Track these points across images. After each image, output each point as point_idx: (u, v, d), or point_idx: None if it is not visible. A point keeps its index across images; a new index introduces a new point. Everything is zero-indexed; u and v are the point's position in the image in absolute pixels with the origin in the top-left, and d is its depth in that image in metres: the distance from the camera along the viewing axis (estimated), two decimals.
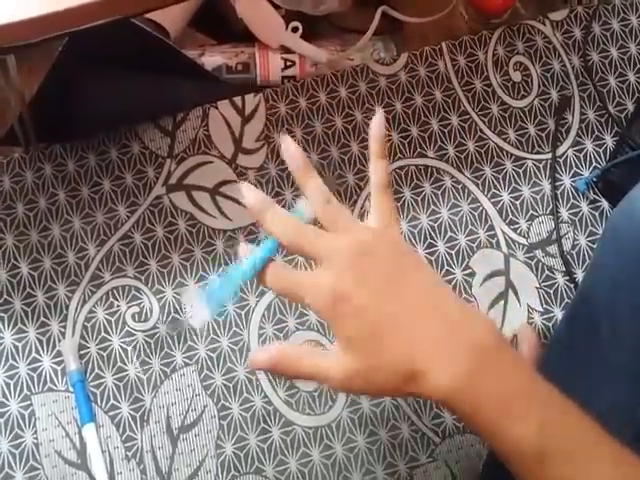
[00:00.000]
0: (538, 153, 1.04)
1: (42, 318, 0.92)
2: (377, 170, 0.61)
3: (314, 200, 0.59)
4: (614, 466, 0.51)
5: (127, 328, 0.92)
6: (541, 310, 0.97)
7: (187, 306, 0.60)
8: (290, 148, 0.60)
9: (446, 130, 1.03)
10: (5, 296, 0.92)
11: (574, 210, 1.01)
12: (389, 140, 1.02)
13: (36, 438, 0.87)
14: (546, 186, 1.02)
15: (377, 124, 0.61)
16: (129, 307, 0.93)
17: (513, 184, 1.02)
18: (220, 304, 0.59)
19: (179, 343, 0.92)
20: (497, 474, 0.82)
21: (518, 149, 1.03)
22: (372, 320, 0.54)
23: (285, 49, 1.04)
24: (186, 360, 0.91)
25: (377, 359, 0.54)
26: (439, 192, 1.00)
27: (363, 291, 0.54)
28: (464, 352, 0.53)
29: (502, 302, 0.96)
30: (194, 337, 0.92)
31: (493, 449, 0.53)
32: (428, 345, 0.53)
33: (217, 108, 1.02)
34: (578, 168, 1.03)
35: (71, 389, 0.89)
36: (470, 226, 0.99)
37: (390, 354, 0.53)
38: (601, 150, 1.04)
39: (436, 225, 0.99)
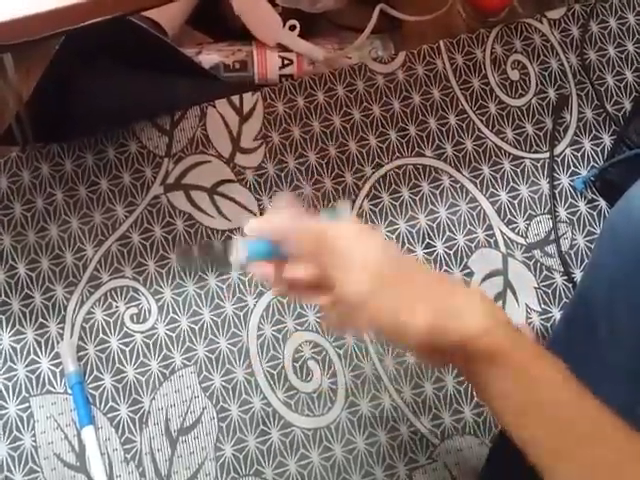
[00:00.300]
0: (536, 152, 1.04)
1: (40, 319, 0.91)
2: None
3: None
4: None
5: (125, 329, 0.92)
6: (539, 310, 0.97)
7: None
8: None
9: (444, 129, 1.03)
10: (3, 297, 0.92)
11: (572, 209, 1.01)
12: (387, 139, 1.02)
13: (35, 441, 0.87)
14: (544, 185, 1.02)
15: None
16: (127, 308, 0.92)
17: (511, 183, 1.02)
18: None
19: (178, 344, 0.91)
20: (497, 475, 0.82)
21: (516, 148, 1.03)
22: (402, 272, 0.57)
23: (283, 47, 1.03)
24: (185, 361, 0.91)
25: (411, 286, 0.56)
26: (437, 191, 1.00)
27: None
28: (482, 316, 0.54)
29: (500, 302, 0.96)
30: (193, 338, 0.92)
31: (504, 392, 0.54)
32: (454, 298, 0.55)
33: (215, 107, 1.02)
34: (576, 167, 1.03)
35: (70, 391, 0.88)
36: (468, 226, 0.99)
37: (425, 287, 0.56)
38: (599, 149, 1.04)
39: (434, 225, 0.99)
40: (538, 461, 0.52)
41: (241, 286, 0.94)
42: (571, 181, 1.02)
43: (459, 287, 0.57)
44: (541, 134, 1.04)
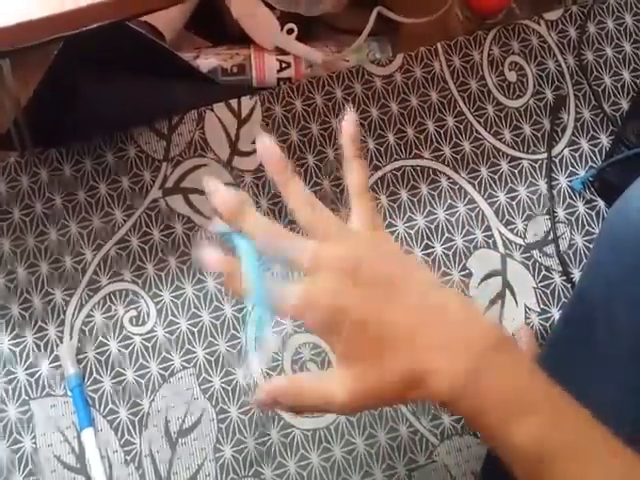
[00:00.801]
0: (534, 153, 1.04)
1: (40, 323, 0.92)
2: (355, 171, 0.57)
3: (297, 207, 0.55)
4: (613, 460, 0.51)
5: (125, 332, 0.92)
6: (538, 310, 0.97)
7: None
8: (267, 149, 0.55)
9: (442, 131, 1.03)
10: (2, 301, 0.92)
11: (570, 210, 1.01)
12: (386, 141, 1.02)
13: (35, 443, 0.87)
14: (542, 186, 1.02)
15: (350, 123, 0.57)
16: (126, 311, 0.93)
17: (509, 184, 1.02)
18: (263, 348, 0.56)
19: (177, 346, 0.92)
20: (496, 476, 0.82)
21: (514, 149, 1.03)
22: (372, 335, 0.52)
23: (280, 51, 1.04)
24: (184, 364, 0.91)
25: (380, 373, 0.53)
26: (435, 193, 1.00)
27: (360, 305, 0.53)
28: (463, 353, 0.52)
29: (499, 302, 0.97)
30: (192, 340, 0.92)
31: (495, 451, 0.53)
32: (429, 350, 0.52)
33: (213, 111, 1.02)
34: (574, 168, 1.03)
35: (69, 394, 0.89)
36: (467, 227, 0.99)
37: (392, 366, 0.52)
38: (597, 149, 1.04)
39: (433, 226, 0.99)
40: None
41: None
42: (569, 181, 1.03)
43: (443, 334, 0.52)
44: (539, 135, 1.04)
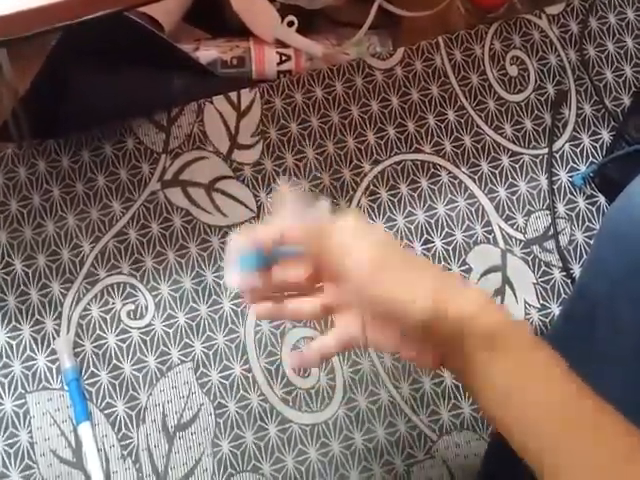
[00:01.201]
0: (535, 148, 1.03)
1: (37, 316, 0.91)
2: None
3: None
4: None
5: (122, 325, 0.91)
6: (538, 306, 0.96)
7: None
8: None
9: (442, 125, 1.03)
10: None
11: (571, 205, 1.01)
12: (386, 135, 1.02)
13: (31, 437, 0.87)
14: (543, 181, 1.02)
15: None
16: (124, 304, 0.92)
17: (510, 179, 1.01)
18: None
19: (175, 340, 0.91)
20: (496, 471, 0.82)
21: (515, 144, 1.03)
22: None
23: (281, 43, 1.03)
24: (182, 357, 0.91)
25: (412, 270, 0.56)
26: (436, 187, 1.00)
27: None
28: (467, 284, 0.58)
29: (499, 298, 0.96)
30: (190, 334, 0.91)
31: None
32: (453, 280, 0.56)
33: (212, 103, 1.01)
34: (575, 163, 1.03)
35: (66, 387, 0.88)
36: (467, 222, 0.99)
37: (425, 270, 0.56)
38: (598, 145, 1.04)
39: (433, 221, 0.98)
40: (531, 458, 0.52)
41: None
42: (570, 177, 1.02)
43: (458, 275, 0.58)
44: (540, 130, 1.04)
